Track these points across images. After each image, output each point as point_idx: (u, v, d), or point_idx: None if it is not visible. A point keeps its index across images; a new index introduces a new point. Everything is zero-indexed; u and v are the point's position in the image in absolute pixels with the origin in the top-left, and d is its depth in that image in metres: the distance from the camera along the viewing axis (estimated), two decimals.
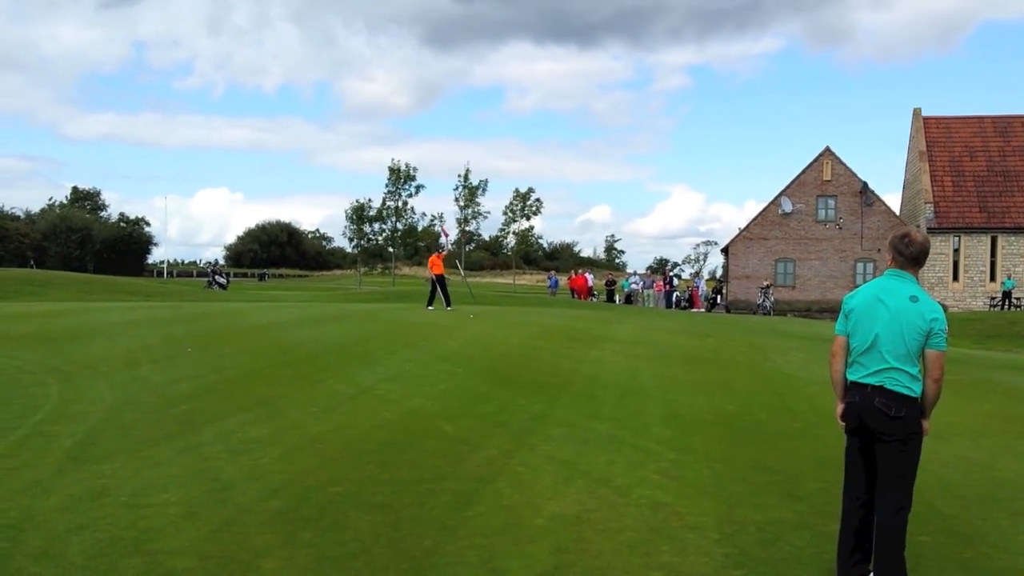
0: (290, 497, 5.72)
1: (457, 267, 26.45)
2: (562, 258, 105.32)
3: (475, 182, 64.36)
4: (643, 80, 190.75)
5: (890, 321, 4.26)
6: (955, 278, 43.88)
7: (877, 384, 4.24)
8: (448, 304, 22.85)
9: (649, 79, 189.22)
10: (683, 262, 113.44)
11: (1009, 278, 42.36)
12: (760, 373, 12.49)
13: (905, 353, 4.23)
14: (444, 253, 24.74)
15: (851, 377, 4.37)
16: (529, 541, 4.97)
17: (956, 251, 44.16)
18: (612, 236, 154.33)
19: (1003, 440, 7.93)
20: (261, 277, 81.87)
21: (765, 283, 43.86)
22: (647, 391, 10.28)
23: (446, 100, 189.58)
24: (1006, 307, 40.47)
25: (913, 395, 4.22)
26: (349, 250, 71.61)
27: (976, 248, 44.11)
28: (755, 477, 6.46)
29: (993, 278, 43.61)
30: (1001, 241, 43.92)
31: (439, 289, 23.10)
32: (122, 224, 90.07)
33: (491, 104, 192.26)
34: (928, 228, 43.81)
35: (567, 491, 5.94)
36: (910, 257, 4.38)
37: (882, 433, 4.21)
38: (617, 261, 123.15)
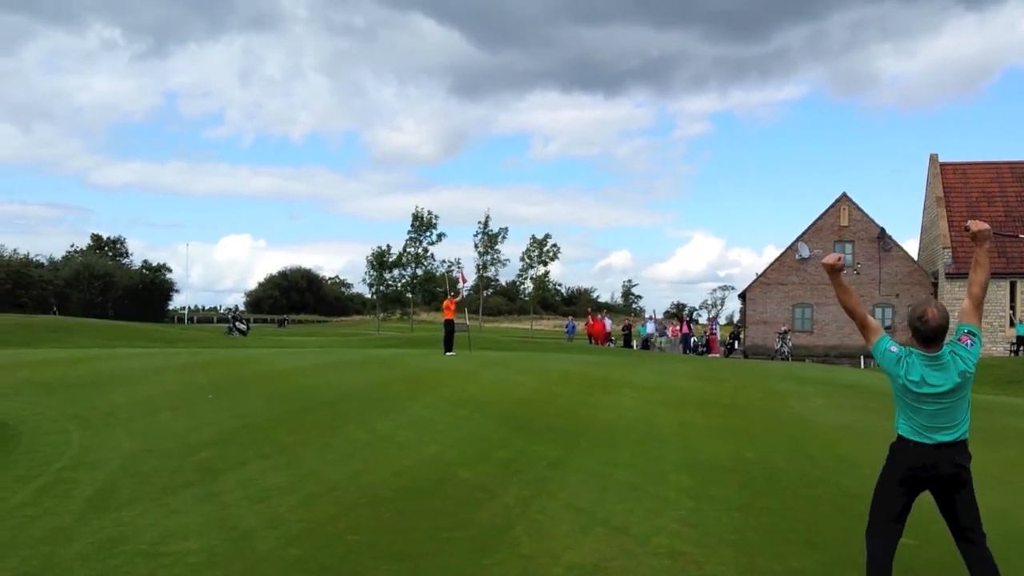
0: (308, 545, 5.74)
1: (466, 314, 26.43)
2: (579, 303, 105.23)
3: (495, 229, 64.90)
4: (665, 127, 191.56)
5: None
6: (982, 296, 43.38)
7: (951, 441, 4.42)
8: (448, 350, 22.83)
9: (671, 126, 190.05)
10: (700, 307, 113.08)
11: (1021, 323, 41.95)
12: (778, 419, 12.41)
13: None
14: (458, 298, 24.79)
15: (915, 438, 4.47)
16: None
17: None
18: (630, 281, 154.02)
19: (1022, 488, 7.83)
20: (281, 323, 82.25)
21: (783, 328, 43.69)
22: (665, 437, 10.24)
23: (471, 148, 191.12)
24: (1022, 352, 40.00)
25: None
26: (368, 296, 71.97)
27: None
28: (774, 525, 6.42)
29: (1013, 324, 43.21)
30: (1020, 286, 43.62)
31: (445, 334, 23.19)
32: (144, 271, 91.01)
33: (515, 151, 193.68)
34: (947, 274, 43.59)
35: (585, 539, 5.92)
36: (927, 336, 4.44)
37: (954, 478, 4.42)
38: (634, 306, 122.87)
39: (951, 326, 4.51)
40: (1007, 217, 45.69)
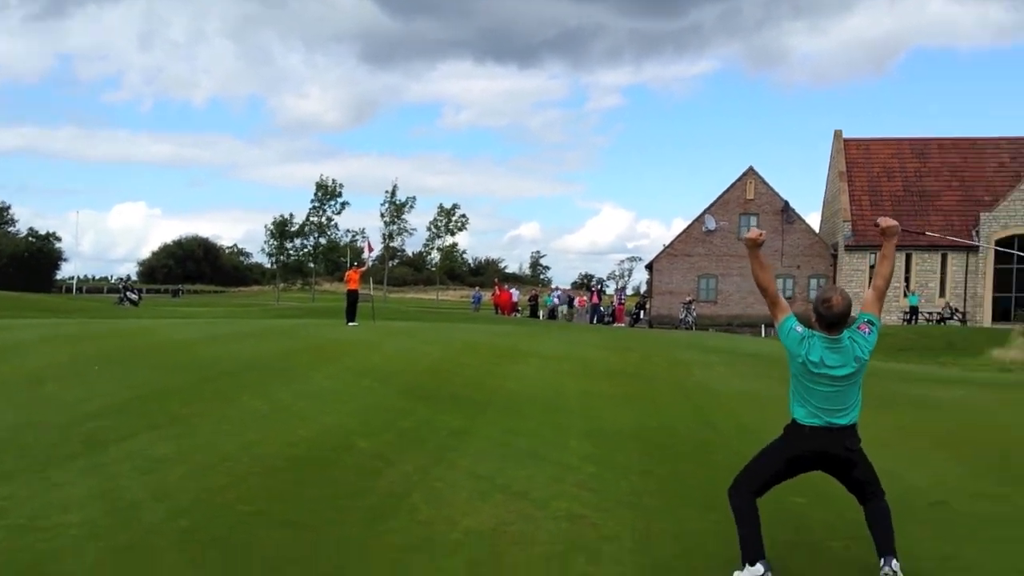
0: (198, 516, 5.55)
1: (370, 284, 25.99)
2: (487, 274, 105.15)
3: (403, 199, 64.23)
4: (579, 99, 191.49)
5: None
6: (884, 288, 45.05)
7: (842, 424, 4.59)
8: (351, 321, 22.51)
9: (585, 98, 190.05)
10: (608, 278, 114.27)
11: (914, 294, 43.99)
12: (682, 387, 12.65)
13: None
14: (363, 268, 24.36)
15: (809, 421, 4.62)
16: (443, 556, 4.91)
17: (872, 268, 45.67)
18: (538, 252, 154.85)
19: (912, 450, 8.16)
20: (175, 293, 79.54)
21: (688, 298, 44.67)
22: (569, 406, 10.30)
23: (380, 117, 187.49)
24: (914, 322, 41.98)
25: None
26: (268, 266, 70.08)
27: None
28: (673, 489, 6.52)
29: (906, 295, 45.17)
30: (916, 258, 45.61)
31: (347, 304, 22.85)
32: (31, 239, 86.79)
33: (425, 121, 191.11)
34: (846, 246, 45.23)
35: (484, 505, 5.89)
36: (830, 322, 4.61)
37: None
38: (542, 277, 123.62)
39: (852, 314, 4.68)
40: (905, 191, 47.67)
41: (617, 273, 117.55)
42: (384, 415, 9.19)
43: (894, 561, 4.48)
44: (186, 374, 11.64)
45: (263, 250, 65.96)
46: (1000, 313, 44.28)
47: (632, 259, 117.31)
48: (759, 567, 4.47)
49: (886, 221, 5.00)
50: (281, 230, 63.17)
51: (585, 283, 75.69)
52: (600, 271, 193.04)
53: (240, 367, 12.38)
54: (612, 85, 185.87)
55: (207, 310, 41.69)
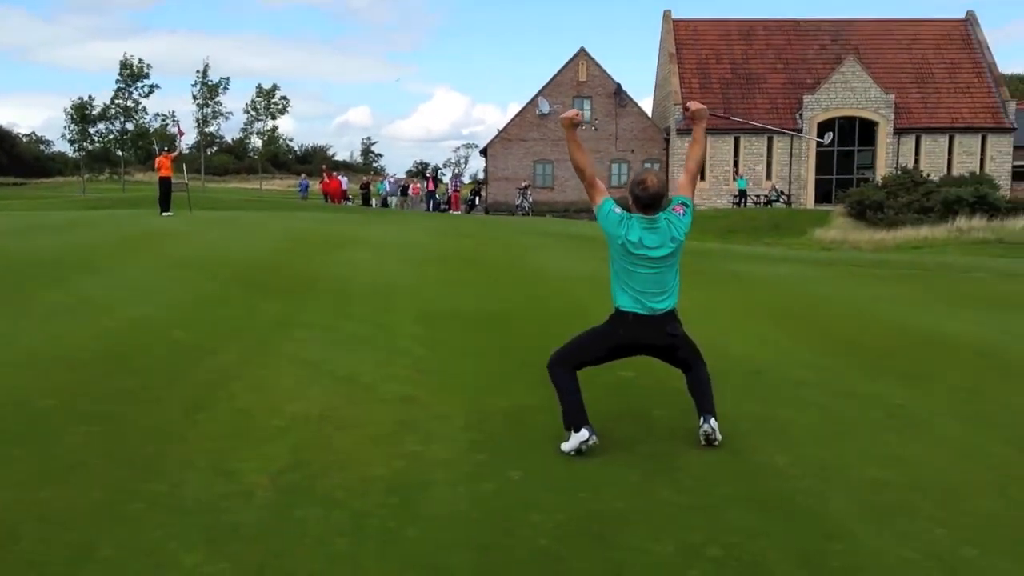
0: None
1: (184, 172, 24.36)
2: (315, 162, 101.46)
3: (216, 79, 60.24)
4: None
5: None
6: (701, 177, 46.65)
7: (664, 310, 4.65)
8: (165, 211, 21.22)
9: None
10: (444, 165, 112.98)
11: (742, 178, 45.89)
12: (516, 270, 12.68)
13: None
14: (175, 154, 22.66)
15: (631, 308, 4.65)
16: (265, 442, 4.67)
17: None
18: (369, 139, 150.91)
19: (735, 322, 8.50)
20: None
21: (523, 184, 44.75)
22: (400, 291, 10.09)
23: None
24: (743, 204, 43.97)
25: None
26: (72, 154, 64.56)
27: (721, 148, 47.16)
28: (505, 368, 6.49)
29: (736, 177, 46.94)
30: (743, 142, 47.16)
31: (160, 193, 21.46)
32: None
33: None
34: (678, 129, 46.11)
35: (310, 391, 5.66)
36: (646, 202, 4.63)
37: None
38: (375, 165, 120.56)
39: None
40: (733, 74, 48.67)
41: (453, 160, 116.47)
42: (202, 305, 8.70)
43: (712, 420, 4.65)
44: None
45: (64, 136, 60.47)
46: (822, 195, 46.65)
47: (468, 146, 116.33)
48: (584, 432, 4.51)
49: (695, 105, 5.06)
50: (82, 114, 58.00)
51: (420, 171, 74.41)
52: (436, 158, 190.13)
53: (39, 261, 11.40)
54: None
55: (7, 203, 38.28)
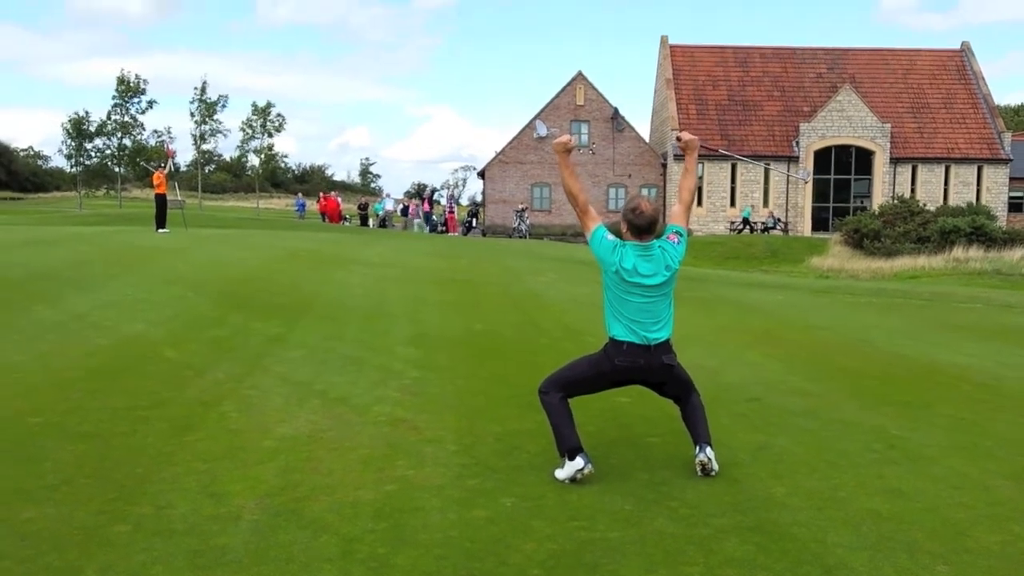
0: None
1: (176, 190, 24.18)
2: (313, 181, 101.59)
3: (213, 96, 60.31)
4: None
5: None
6: (699, 203, 46.52)
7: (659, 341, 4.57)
8: (161, 227, 21.12)
9: None
10: (442, 187, 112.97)
11: (746, 208, 45.97)
12: (511, 293, 12.62)
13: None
14: (164, 171, 22.43)
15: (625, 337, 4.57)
16: (254, 463, 4.59)
17: (700, 178, 47.11)
18: (367, 159, 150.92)
19: (731, 350, 8.43)
20: None
21: (521, 207, 44.69)
22: (394, 312, 10.04)
23: (188, 6, 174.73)
24: (748, 232, 43.86)
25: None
26: (69, 170, 64.35)
27: (718, 175, 47.27)
28: (497, 391, 6.41)
29: (733, 203, 46.87)
30: (740, 169, 47.13)
31: (156, 209, 21.38)
32: None
33: (239, 14, 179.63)
34: (675, 155, 46.18)
35: (300, 412, 5.58)
36: (641, 228, 4.56)
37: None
38: (373, 185, 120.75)
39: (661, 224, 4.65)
40: (730, 100, 48.77)
41: (451, 182, 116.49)
42: (193, 324, 8.63)
43: (708, 449, 4.58)
44: None
45: (61, 152, 60.33)
46: (819, 223, 46.75)
47: (467, 168, 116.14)
48: (579, 460, 4.43)
49: (686, 135, 5.05)
50: (78, 129, 57.91)
51: (418, 192, 74.30)
52: (434, 180, 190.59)
53: (31, 276, 11.34)
54: None
55: (3, 218, 38.21)
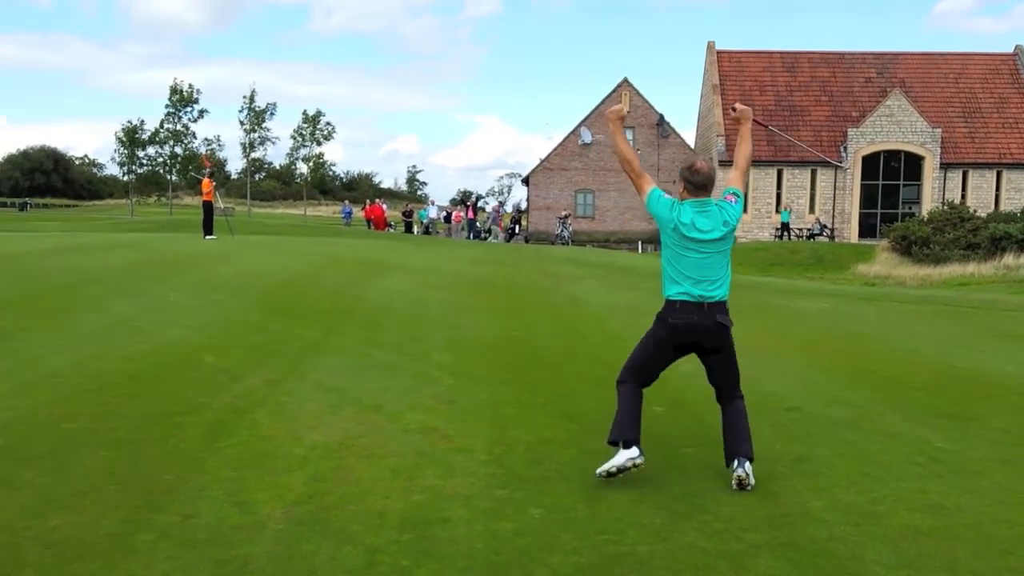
0: (16, 434, 5.05)
1: (217, 197, 24.37)
2: (361, 188, 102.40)
3: (263, 105, 61.17)
4: (453, 5, 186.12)
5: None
6: (744, 210, 45.96)
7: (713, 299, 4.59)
8: (208, 234, 21.41)
9: (460, 5, 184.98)
10: (487, 194, 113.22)
11: (786, 210, 45.22)
12: (550, 299, 12.56)
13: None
14: (205, 179, 22.63)
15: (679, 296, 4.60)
16: (284, 471, 4.58)
17: (745, 183, 46.40)
18: (414, 167, 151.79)
19: (772, 358, 8.25)
20: (22, 207, 74.07)
21: (564, 213, 44.60)
22: (432, 318, 10.03)
23: (244, 18, 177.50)
24: (785, 237, 43.30)
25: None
26: (122, 177, 65.76)
27: (763, 181, 46.65)
28: (531, 399, 6.36)
29: (779, 210, 46.30)
30: (786, 174, 46.53)
31: (203, 216, 21.70)
32: None
33: (293, 24, 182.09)
34: (720, 161, 45.67)
35: (333, 419, 5.57)
36: (698, 184, 4.69)
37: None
38: (420, 192, 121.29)
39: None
40: (777, 105, 48.12)
41: (497, 189, 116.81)
42: (234, 329, 8.69)
43: (748, 464, 4.47)
44: (19, 287, 10.79)
45: (114, 159, 61.70)
46: (866, 229, 45.72)
47: (512, 175, 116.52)
48: (634, 449, 4.50)
49: (740, 106, 5.27)
50: (132, 137, 59.17)
51: (462, 199, 74.63)
52: (480, 187, 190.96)
53: (79, 280, 11.53)
54: None
55: (55, 224, 39.15)
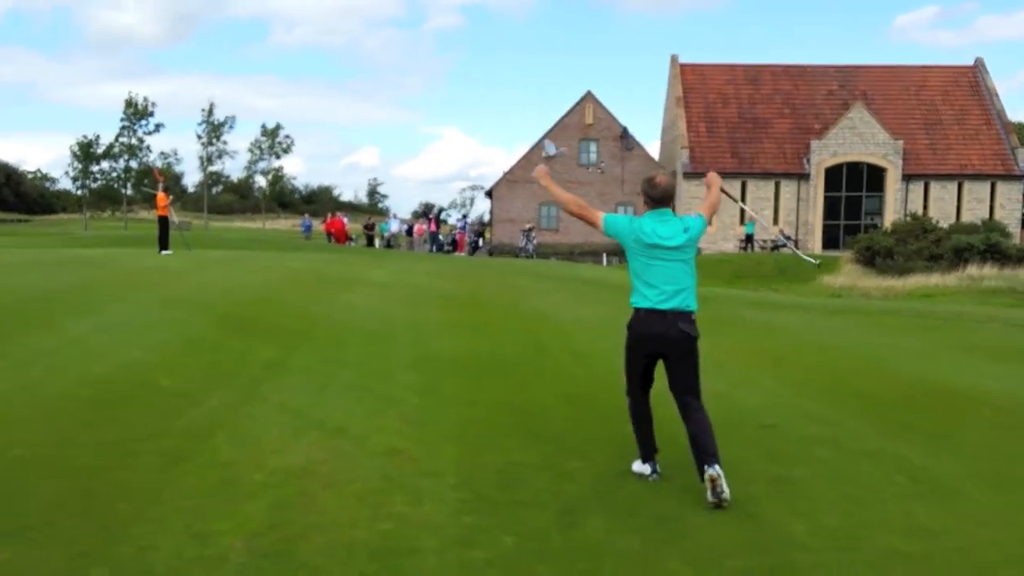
0: None
1: (171, 210, 23.86)
2: (321, 201, 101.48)
3: (220, 118, 60.58)
4: (415, 18, 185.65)
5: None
6: (708, 222, 46.22)
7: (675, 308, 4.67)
8: (164, 249, 20.94)
9: (422, 17, 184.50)
10: (449, 206, 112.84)
11: (750, 222, 45.50)
12: (516, 314, 12.40)
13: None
14: (158, 193, 22.11)
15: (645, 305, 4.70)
16: (244, 499, 4.36)
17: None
18: (375, 179, 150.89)
19: (743, 372, 8.18)
20: None
21: (528, 226, 44.50)
22: (397, 335, 9.82)
23: (202, 32, 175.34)
24: (750, 249, 43.56)
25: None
26: (75, 192, 64.63)
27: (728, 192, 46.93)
28: (500, 418, 6.19)
29: (743, 222, 46.53)
30: (750, 186, 46.87)
31: (159, 231, 21.25)
32: None
33: (253, 38, 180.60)
34: (684, 173, 45.93)
35: (296, 443, 5.35)
36: (656, 198, 4.81)
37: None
38: (381, 205, 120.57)
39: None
40: (740, 118, 48.46)
41: (459, 202, 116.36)
42: (192, 349, 8.41)
43: (717, 466, 4.41)
44: None
45: (67, 174, 60.59)
46: (829, 241, 46.32)
47: (474, 187, 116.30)
48: (646, 467, 4.82)
49: (711, 174, 5.54)
50: (86, 152, 58.21)
51: (424, 212, 74.25)
52: (442, 200, 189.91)
53: (27, 299, 11.12)
54: (450, 5, 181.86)
55: (7, 239, 38.22)
